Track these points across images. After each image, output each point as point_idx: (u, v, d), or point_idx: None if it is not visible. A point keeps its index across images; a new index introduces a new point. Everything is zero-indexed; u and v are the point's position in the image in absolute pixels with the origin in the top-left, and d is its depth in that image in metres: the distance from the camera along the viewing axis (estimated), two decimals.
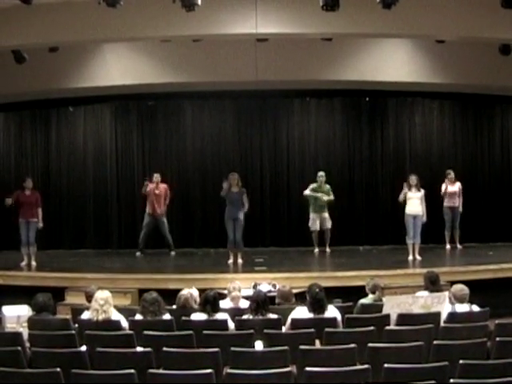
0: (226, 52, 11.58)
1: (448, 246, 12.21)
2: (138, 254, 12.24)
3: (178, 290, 7.00)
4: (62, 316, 7.20)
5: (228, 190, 10.93)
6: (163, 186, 12.22)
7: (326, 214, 12.03)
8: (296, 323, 6.14)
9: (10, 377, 4.69)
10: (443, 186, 11.99)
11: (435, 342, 5.35)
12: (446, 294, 6.51)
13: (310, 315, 6.19)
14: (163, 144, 13.87)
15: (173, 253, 12.31)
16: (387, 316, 6.24)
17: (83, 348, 5.62)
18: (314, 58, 11.75)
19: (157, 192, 12.09)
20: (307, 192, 11.94)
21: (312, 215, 12.04)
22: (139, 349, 5.57)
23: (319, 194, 11.88)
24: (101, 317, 6.06)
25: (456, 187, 12.09)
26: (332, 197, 11.94)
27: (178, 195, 13.15)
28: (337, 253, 12.04)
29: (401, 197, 11.01)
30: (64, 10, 9.35)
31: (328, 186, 12.00)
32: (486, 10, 9.20)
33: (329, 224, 12.05)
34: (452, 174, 12.07)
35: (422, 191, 11.04)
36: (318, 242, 12.15)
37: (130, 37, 9.96)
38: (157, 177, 12.18)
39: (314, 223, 12.03)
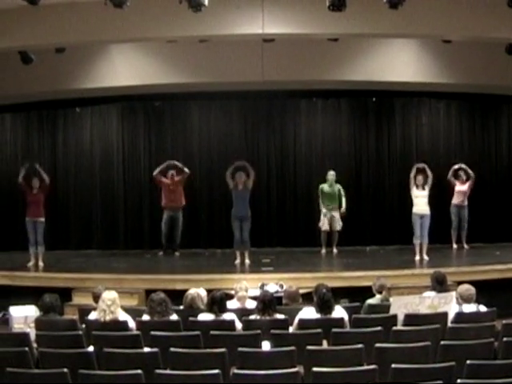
0: (232, 52, 11.56)
1: (455, 246, 12.20)
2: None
3: (185, 291, 6.99)
4: (69, 316, 7.24)
5: (235, 187, 11.04)
6: (177, 179, 12.17)
7: (337, 216, 12.01)
8: (303, 323, 6.14)
9: (18, 377, 4.71)
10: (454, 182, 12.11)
11: (442, 343, 5.35)
12: (453, 294, 6.50)
13: (317, 315, 6.20)
14: (170, 145, 13.87)
15: (177, 253, 12.30)
16: (394, 316, 6.24)
17: (90, 348, 5.64)
18: (320, 58, 11.72)
19: (171, 188, 12.09)
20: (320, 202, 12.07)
21: (323, 215, 12.05)
22: (146, 349, 5.59)
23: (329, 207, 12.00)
24: (108, 317, 6.06)
25: (466, 187, 12.10)
26: (343, 205, 11.98)
27: (184, 195, 13.14)
28: (343, 253, 12.02)
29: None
30: (70, 11, 9.36)
31: (338, 186, 12.00)
32: (492, 10, 9.17)
33: (338, 226, 12.04)
34: (463, 176, 12.13)
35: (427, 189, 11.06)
36: (326, 242, 12.15)
37: (137, 37, 9.97)
38: (172, 174, 12.15)
39: (324, 223, 12.04)
